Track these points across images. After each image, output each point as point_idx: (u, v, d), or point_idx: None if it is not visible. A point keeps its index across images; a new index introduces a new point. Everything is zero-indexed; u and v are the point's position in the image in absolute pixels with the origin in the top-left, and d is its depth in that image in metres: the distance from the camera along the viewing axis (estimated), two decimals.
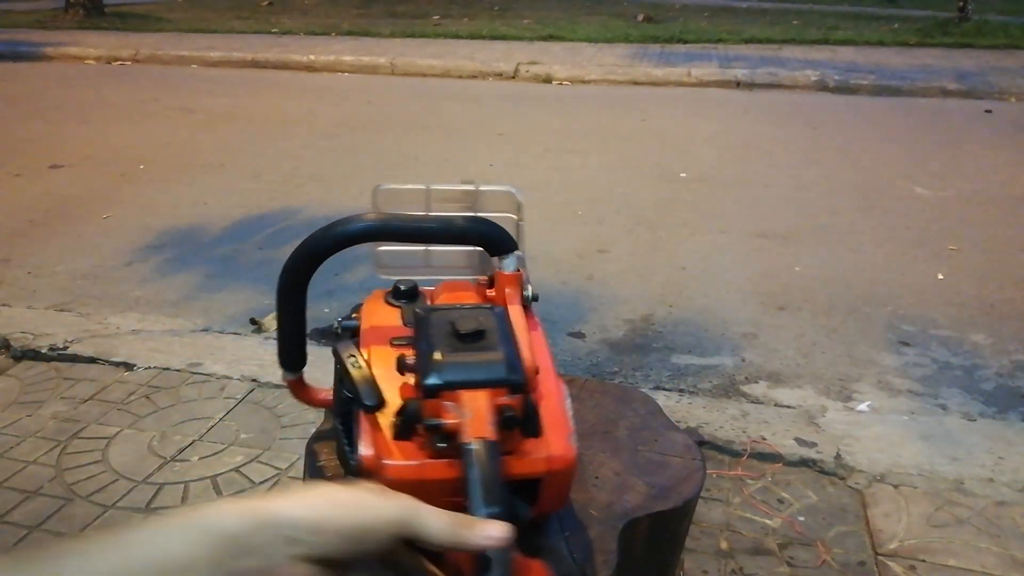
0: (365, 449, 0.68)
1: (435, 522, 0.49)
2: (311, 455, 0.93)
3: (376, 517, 0.48)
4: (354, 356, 0.72)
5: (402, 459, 0.67)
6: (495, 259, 0.79)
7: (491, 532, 0.50)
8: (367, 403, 0.68)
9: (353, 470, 0.70)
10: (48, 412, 2.15)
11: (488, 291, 0.81)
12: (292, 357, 0.85)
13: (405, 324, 0.78)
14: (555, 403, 0.72)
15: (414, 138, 5.45)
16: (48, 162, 4.73)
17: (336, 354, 0.73)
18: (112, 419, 2.12)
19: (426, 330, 0.68)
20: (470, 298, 0.79)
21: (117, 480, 1.88)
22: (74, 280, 3.16)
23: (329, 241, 0.74)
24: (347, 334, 0.81)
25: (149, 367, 2.38)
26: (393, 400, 0.69)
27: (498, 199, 0.86)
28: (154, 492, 1.85)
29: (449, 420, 0.63)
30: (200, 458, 1.98)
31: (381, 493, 0.49)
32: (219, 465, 1.95)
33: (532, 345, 0.73)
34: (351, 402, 0.71)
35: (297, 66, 8.34)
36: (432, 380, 0.64)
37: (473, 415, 0.63)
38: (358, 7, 13.62)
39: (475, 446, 0.61)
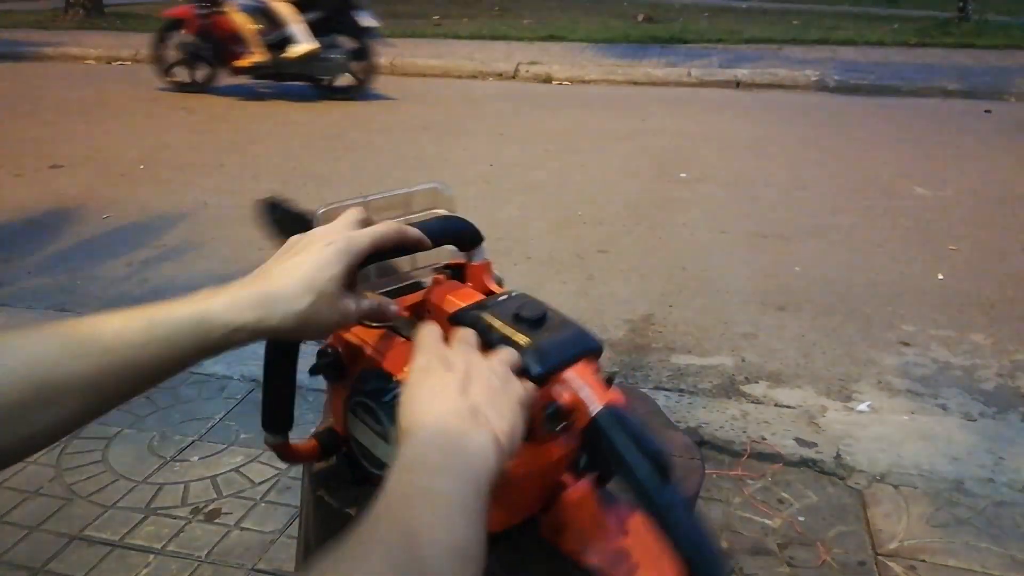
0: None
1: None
2: None
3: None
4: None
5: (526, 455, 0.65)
6: (465, 252, 0.79)
7: None
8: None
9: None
10: None
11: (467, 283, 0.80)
12: (278, 418, 0.78)
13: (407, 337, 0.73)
14: None
15: (414, 138, 5.45)
16: (48, 162, 4.73)
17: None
18: (112, 419, 2.11)
19: (491, 327, 0.66)
20: (472, 294, 0.77)
21: (117, 480, 1.88)
22: (74, 280, 3.16)
23: None
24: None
25: None
26: None
27: (428, 197, 0.86)
28: (154, 492, 1.85)
29: (566, 400, 0.64)
30: (200, 458, 1.98)
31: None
32: (219, 465, 1.95)
33: None
34: None
35: None
36: (539, 368, 0.63)
37: (590, 387, 0.64)
38: None
39: (609, 410, 0.62)
